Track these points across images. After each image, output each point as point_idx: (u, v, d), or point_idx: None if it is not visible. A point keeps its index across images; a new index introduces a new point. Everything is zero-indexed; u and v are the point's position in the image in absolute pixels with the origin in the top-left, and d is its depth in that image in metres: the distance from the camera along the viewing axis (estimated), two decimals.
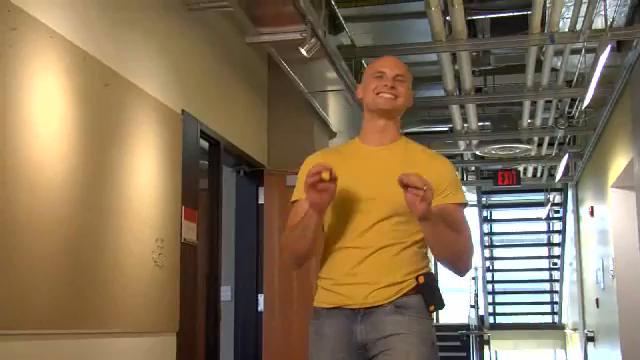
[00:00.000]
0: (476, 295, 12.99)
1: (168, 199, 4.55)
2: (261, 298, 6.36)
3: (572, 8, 5.52)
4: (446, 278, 14.74)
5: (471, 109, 8.03)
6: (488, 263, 13.55)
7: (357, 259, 2.27)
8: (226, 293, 6.19)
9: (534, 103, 7.94)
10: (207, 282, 5.35)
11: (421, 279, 2.27)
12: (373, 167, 2.38)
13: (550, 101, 8.04)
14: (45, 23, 3.28)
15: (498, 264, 13.87)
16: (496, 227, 13.95)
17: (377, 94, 2.40)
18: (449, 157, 11.97)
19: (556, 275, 13.67)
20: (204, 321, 5.27)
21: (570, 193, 12.10)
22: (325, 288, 2.32)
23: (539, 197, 13.07)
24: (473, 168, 12.08)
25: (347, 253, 2.30)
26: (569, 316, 12.82)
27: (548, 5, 5.47)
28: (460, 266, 2.35)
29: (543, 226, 13.92)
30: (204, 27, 5.22)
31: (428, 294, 2.27)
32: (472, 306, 13.13)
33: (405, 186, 2.10)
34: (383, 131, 2.44)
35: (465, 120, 8.44)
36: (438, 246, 2.29)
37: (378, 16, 6.88)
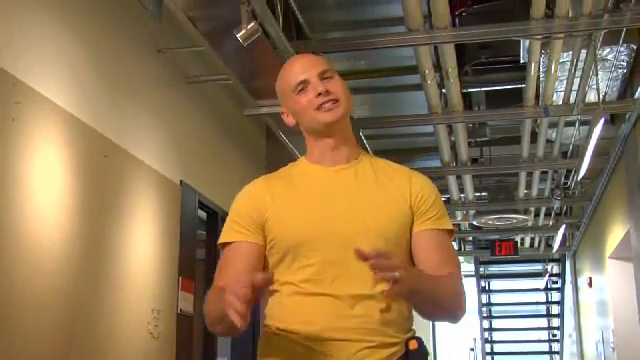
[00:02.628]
0: None
1: (165, 269, 4.53)
2: None
3: (565, 82, 5.62)
4: (443, 349, 14.49)
5: (468, 180, 8.09)
6: (487, 334, 13.42)
7: (342, 307, 1.73)
8: None
9: (530, 174, 8.00)
10: (203, 353, 5.28)
11: (413, 344, 1.78)
12: (339, 193, 1.84)
13: (546, 172, 8.10)
14: (47, 97, 3.34)
15: (497, 335, 13.72)
16: (494, 298, 13.85)
17: (316, 109, 1.84)
18: None
19: (556, 347, 13.52)
20: None
21: (568, 264, 12.08)
22: (288, 339, 1.76)
23: (537, 267, 13.05)
24: (470, 238, 12.09)
25: (325, 301, 1.74)
26: None
27: (542, 79, 5.57)
28: (457, 313, 1.87)
29: (542, 297, 13.84)
30: (203, 99, 5.30)
31: None
32: None
33: (366, 258, 1.59)
34: (335, 147, 1.89)
35: (462, 190, 8.49)
36: (431, 309, 1.83)
37: (375, 88, 6.99)
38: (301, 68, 1.88)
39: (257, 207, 1.85)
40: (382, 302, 1.75)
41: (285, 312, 1.79)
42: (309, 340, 1.73)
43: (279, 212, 1.83)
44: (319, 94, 1.83)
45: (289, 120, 1.94)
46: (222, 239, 1.88)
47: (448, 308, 1.84)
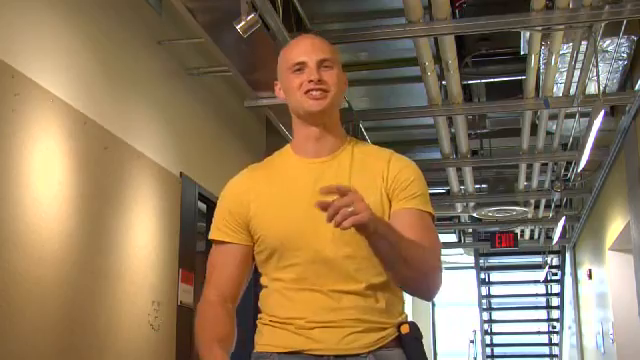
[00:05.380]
0: (475, 359, 12.83)
1: (165, 261, 4.54)
2: None
3: (565, 74, 5.62)
4: (443, 341, 14.51)
5: (468, 172, 8.08)
6: (486, 326, 13.44)
7: (329, 300, 1.79)
8: None
9: (530, 166, 8.00)
10: None
11: (405, 328, 1.81)
12: (315, 188, 1.72)
13: (546, 164, 8.10)
14: (47, 88, 3.34)
15: (497, 327, 13.75)
16: (494, 289, 13.87)
17: (304, 94, 1.85)
18: (446, 219, 12.03)
19: (555, 339, 13.54)
20: None
21: (568, 256, 12.09)
22: (280, 329, 1.83)
23: (537, 259, 13.04)
24: (470, 230, 12.09)
25: (312, 296, 1.80)
26: None
27: (542, 71, 5.56)
28: (430, 280, 1.81)
29: (541, 289, 13.85)
30: (203, 91, 5.29)
31: (412, 349, 1.81)
32: None
33: (325, 209, 1.59)
34: (320, 138, 1.90)
35: (462, 182, 8.49)
36: (401, 267, 1.74)
37: (374, 80, 6.98)
38: (304, 49, 1.89)
39: (240, 207, 1.89)
40: (368, 297, 1.81)
41: (276, 306, 1.85)
42: (300, 329, 1.79)
43: (262, 212, 1.87)
44: (311, 80, 1.85)
45: (280, 94, 1.96)
46: (211, 235, 1.95)
47: (419, 269, 1.77)
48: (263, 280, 1.91)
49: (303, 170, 1.89)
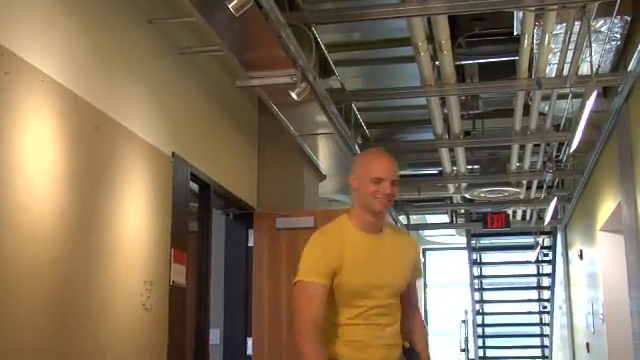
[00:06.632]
0: (466, 339, 12.93)
1: (157, 241, 4.53)
2: (250, 341, 6.31)
3: (558, 54, 5.60)
4: (434, 321, 14.61)
5: (460, 152, 8.08)
6: (478, 306, 13.51)
7: (378, 330, 2.87)
8: (215, 336, 6.14)
9: (522, 147, 8.00)
10: (195, 325, 5.31)
11: (406, 344, 2.99)
12: (378, 257, 2.89)
13: (538, 145, 8.11)
14: (37, 67, 3.31)
15: (488, 307, 13.83)
16: (486, 270, 13.93)
17: (375, 198, 2.79)
18: (438, 200, 12.03)
19: (546, 319, 13.63)
20: None
21: (559, 236, 12.14)
22: (345, 346, 2.85)
23: (528, 240, 13.10)
24: (462, 211, 12.12)
25: (369, 328, 2.86)
26: None
27: (535, 51, 5.55)
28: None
29: (533, 269, 13.93)
30: (195, 70, 5.26)
31: (411, 356, 3.00)
32: (462, 350, 13.06)
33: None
34: (375, 223, 2.90)
35: (454, 163, 8.50)
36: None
37: (368, 60, 6.96)
38: (385, 168, 2.82)
39: (330, 259, 2.81)
40: (396, 326, 2.94)
41: (345, 334, 2.87)
42: (361, 348, 2.87)
43: (344, 266, 2.81)
44: (386, 194, 2.80)
45: (354, 184, 2.89)
46: (308, 278, 2.80)
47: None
48: (334, 314, 2.87)
49: (367, 242, 2.89)
